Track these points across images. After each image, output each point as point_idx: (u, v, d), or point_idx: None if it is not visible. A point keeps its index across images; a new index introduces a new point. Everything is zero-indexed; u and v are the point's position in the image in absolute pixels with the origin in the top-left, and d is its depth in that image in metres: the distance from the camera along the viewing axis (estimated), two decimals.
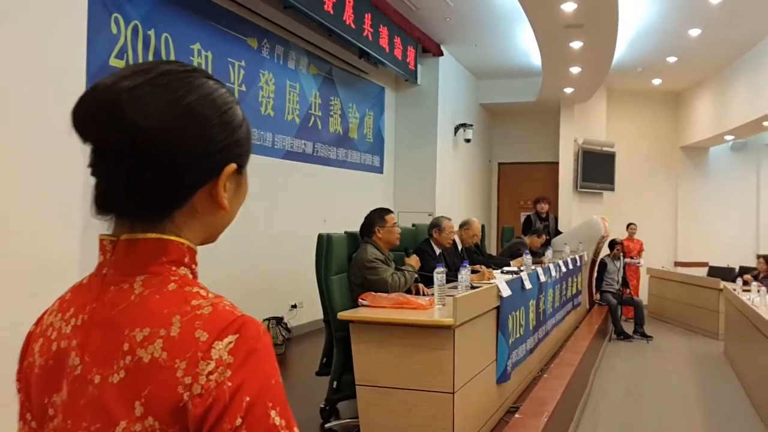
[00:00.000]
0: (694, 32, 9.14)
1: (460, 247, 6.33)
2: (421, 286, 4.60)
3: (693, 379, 7.18)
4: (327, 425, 4.16)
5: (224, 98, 0.85)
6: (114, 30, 5.04)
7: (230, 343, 0.73)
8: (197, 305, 0.77)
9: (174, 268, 0.81)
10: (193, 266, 0.84)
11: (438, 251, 5.59)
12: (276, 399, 0.74)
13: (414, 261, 4.54)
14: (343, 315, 3.56)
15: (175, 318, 0.75)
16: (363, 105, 9.30)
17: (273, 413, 0.73)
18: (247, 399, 0.72)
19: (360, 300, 3.77)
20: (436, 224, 5.66)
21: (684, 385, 6.89)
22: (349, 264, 4.36)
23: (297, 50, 7.62)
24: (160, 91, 0.78)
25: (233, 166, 0.86)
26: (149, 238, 0.80)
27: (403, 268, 4.37)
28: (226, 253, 6.47)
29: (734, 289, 8.06)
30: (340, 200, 8.38)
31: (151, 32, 5.43)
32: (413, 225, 6.47)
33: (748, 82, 10.29)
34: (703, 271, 11.26)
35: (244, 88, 6.68)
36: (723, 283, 9.10)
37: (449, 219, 5.74)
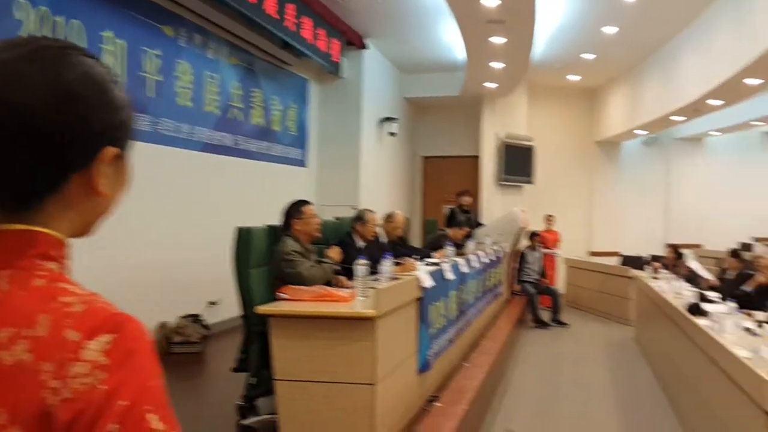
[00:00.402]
0: (610, 30, 9.51)
1: (383, 240, 6.37)
2: (342, 278, 4.61)
3: (606, 363, 7.51)
4: (244, 422, 4.11)
5: (104, 77, 0.79)
6: (18, 16, 4.79)
7: (105, 343, 0.68)
8: (67, 302, 0.71)
9: (42, 263, 0.74)
10: (64, 260, 0.78)
11: (361, 244, 5.61)
12: (156, 403, 0.69)
13: (334, 253, 4.54)
14: (261, 309, 3.52)
15: (41, 317, 0.69)
16: (286, 97, 9.21)
17: (153, 418, 0.68)
18: (124, 403, 0.66)
19: (279, 294, 3.75)
20: (359, 217, 5.67)
21: (597, 370, 7.20)
22: (270, 257, 4.32)
23: (216, 40, 7.46)
24: (35, 66, 0.73)
25: (113, 150, 0.79)
26: (15, 230, 0.74)
27: (323, 260, 4.37)
28: (140, 248, 6.29)
29: (645, 277, 8.46)
30: (262, 194, 8.28)
31: (60, 18, 5.19)
32: (336, 218, 6.48)
33: (658, 79, 10.80)
34: (616, 261, 11.75)
35: (160, 77, 6.49)
36: (634, 272, 9.54)
37: (373, 211, 5.77)
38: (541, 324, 9.55)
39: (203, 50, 7.26)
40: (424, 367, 4.35)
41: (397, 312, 3.85)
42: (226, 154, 7.67)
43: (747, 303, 5.56)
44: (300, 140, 9.68)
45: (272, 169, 8.77)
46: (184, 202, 6.92)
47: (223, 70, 7.64)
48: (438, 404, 4.16)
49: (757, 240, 12.52)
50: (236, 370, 4.22)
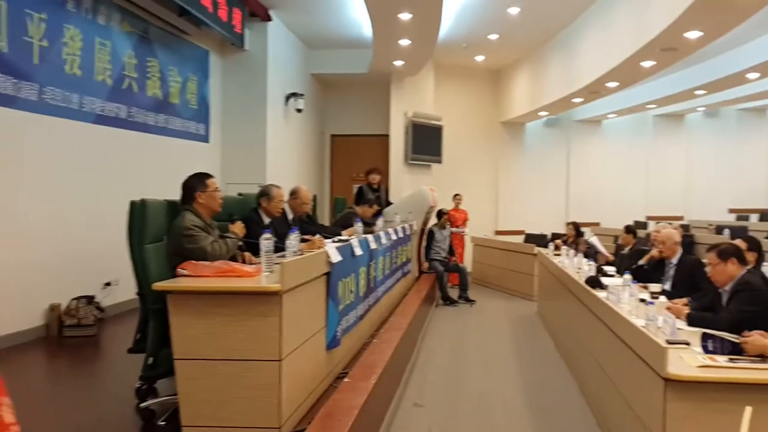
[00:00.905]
0: (514, 10, 9.70)
1: (290, 217, 6.24)
2: (247, 254, 4.47)
3: (511, 337, 7.77)
4: (143, 405, 3.93)
5: None
6: None
7: None
8: None
9: None
10: None
11: (267, 220, 5.47)
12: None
13: (238, 228, 4.38)
14: (158, 285, 3.35)
15: None
16: (185, 68, 8.83)
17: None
18: None
19: (179, 270, 3.57)
20: (264, 192, 5.52)
21: (503, 342, 7.45)
22: (168, 233, 4.12)
23: (108, 5, 7.03)
24: None
25: None
26: None
27: (226, 235, 4.21)
28: (29, 227, 5.89)
29: (547, 254, 8.76)
30: (161, 170, 7.93)
31: None
32: (239, 194, 6.29)
33: (560, 61, 11.15)
34: (520, 239, 12.13)
35: (45, 43, 6.04)
36: (537, 249, 9.88)
37: (279, 187, 5.62)
38: (449, 301, 9.74)
39: (93, 15, 6.82)
40: (332, 343, 4.30)
41: (305, 287, 3.76)
42: (120, 127, 7.27)
43: (642, 276, 5.85)
44: (201, 114, 9.33)
45: (171, 144, 8.41)
46: (75, 178, 6.52)
47: (116, 38, 7.22)
48: (347, 380, 4.12)
49: (650, 218, 13.26)
50: (133, 351, 4.01)
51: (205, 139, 9.40)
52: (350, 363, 4.74)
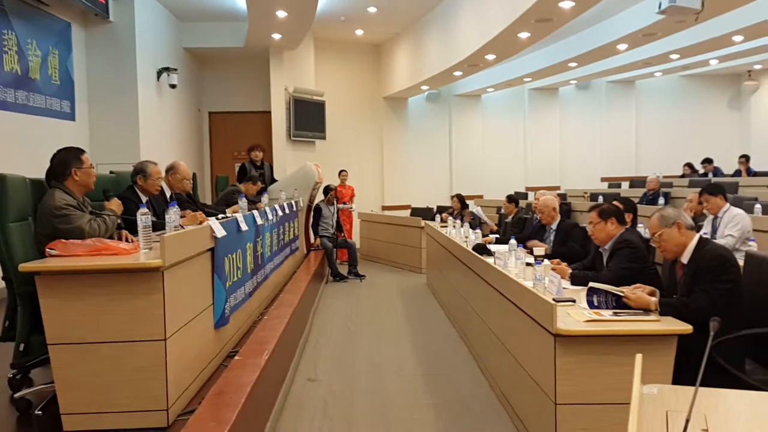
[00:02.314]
0: None
1: (168, 194, 5.95)
2: (125, 233, 4.21)
3: (401, 308, 7.91)
4: (18, 395, 3.64)
5: None
6: None
7: None
8: None
9: None
10: None
11: (144, 199, 5.17)
12: None
13: (115, 205, 4.10)
14: (24, 267, 3.07)
15: None
16: (45, 42, 8.17)
17: None
18: None
19: (47, 250, 3.29)
20: (140, 170, 5.19)
21: (394, 314, 7.57)
22: (35, 214, 3.78)
23: None
24: None
25: None
26: None
27: (104, 213, 3.93)
28: None
29: (434, 226, 8.94)
30: (22, 150, 7.33)
31: None
32: (111, 172, 5.91)
33: (439, 35, 11.32)
34: (407, 213, 12.32)
35: None
36: (424, 222, 10.07)
37: (155, 163, 5.32)
38: (339, 277, 9.77)
39: None
40: (221, 321, 4.15)
41: (188, 263, 3.59)
42: None
43: (525, 241, 6.09)
44: (66, 91, 8.69)
45: (33, 122, 7.79)
46: None
47: None
48: (238, 357, 4.00)
49: (529, 189, 13.85)
50: (2, 339, 3.68)
51: (70, 116, 8.77)
52: (240, 341, 4.61)
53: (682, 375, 3.09)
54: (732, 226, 5.66)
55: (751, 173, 12.25)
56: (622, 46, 10.58)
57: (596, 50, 10.95)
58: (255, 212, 5.64)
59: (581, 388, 3.19)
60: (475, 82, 13.86)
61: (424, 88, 13.45)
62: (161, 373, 3.10)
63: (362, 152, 13.86)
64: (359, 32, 12.88)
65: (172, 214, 3.74)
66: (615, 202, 5.21)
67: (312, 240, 9.99)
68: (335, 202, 10.33)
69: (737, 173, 12.38)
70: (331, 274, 9.83)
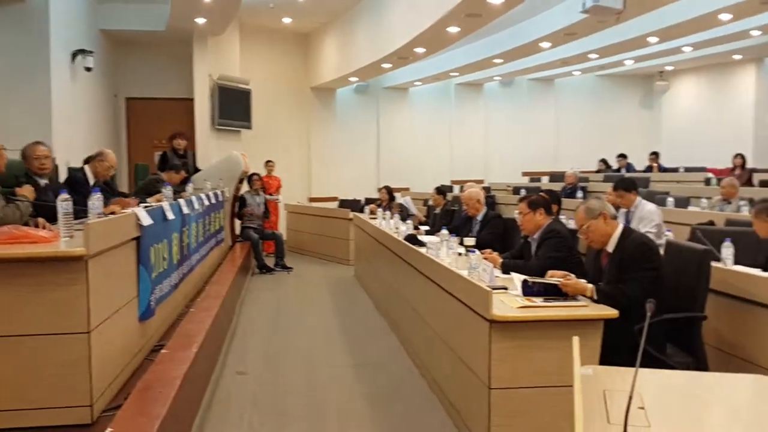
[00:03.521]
0: None
1: (92, 182, 5.69)
2: (41, 220, 3.98)
3: (329, 299, 7.89)
4: None
5: None
6: None
7: None
8: None
9: None
10: None
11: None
12: None
13: (27, 191, 3.89)
14: None
15: None
16: None
17: None
18: None
19: None
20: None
21: (322, 305, 7.53)
22: None
23: None
24: None
25: None
26: None
27: (17, 198, 3.71)
28: None
29: (363, 218, 8.94)
30: None
31: None
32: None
33: (369, 26, 11.29)
34: (334, 205, 12.26)
35: None
36: (353, 213, 10.05)
37: (40, 143, 5.07)
38: (265, 269, 9.65)
39: None
40: (146, 313, 3.99)
41: (113, 252, 3.43)
42: None
43: (455, 232, 6.16)
44: None
45: None
46: None
47: None
48: (165, 351, 3.86)
49: (455, 182, 14.05)
50: None
51: None
52: (166, 334, 4.46)
53: (607, 357, 3.21)
54: (647, 224, 5.90)
55: (662, 169, 12.85)
56: (545, 44, 10.85)
57: (521, 47, 11.19)
58: (181, 201, 5.46)
59: (514, 373, 3.26)
60: (403, 75, 13.92)
61: (353, 79, 13.39)
62: (85, 367, 2.95)
63: (289, 143, 13.68)
64: (287, 20, 12.70)
65: (95, 201, 3.57)
66: (542, 194, 5.34)
67: (236, 231, 9.81)
68: (262, 192, 10.15)
69: (648, 169, 12.96)
70: (257, 266, 9.68)
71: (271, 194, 11.18)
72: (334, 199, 13.17)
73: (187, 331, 4.37)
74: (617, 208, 6.69)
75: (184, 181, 7.69)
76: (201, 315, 4.87)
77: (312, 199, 13.71)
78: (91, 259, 3.04)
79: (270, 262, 9.88)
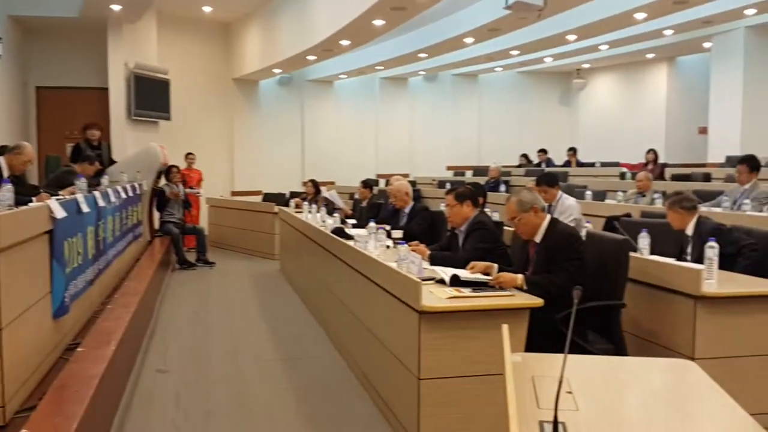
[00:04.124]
0: None
1: (6, 174, 5.38)
2: None
3: (254, 295, 7.77)
4: None
5: None
6: None
7: None
8: None
9: None
10: None
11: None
12: None
13: None
14: None
15: None
16: None
17: None
18: None
19: None
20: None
21: (247, 302, 7.41)
22: None
23: None
24: None
25: None
26: None
27: None
28: None
29: (289, 212, 8.84)
30: None
31: None
32: None
33: (293, 17, 11.16)
34: (258, 199, 12.08)
35: None
36: (278, 207, 9.93)
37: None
38: (187, 264, 9.42)
39: None
40: (60, 310, 3.81)
41: (24, 247, 3.26)
42: None
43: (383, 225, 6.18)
44: None
45: None
46: None
47: None
48: (81, 349, 3.70)
49: (380, 176, 14.12)
50: None
51: None
52: (82, 332, 4.28)
53: (529, 344, 3.29)
54: (566, 217, 6.09)
55: (579, 164, 13.32)
56: (468, 40, 11.02)
57: (445, 42, 11.32)
58: (97, 193, 5.25)
59: (443, 363, 3.29)
60: (328, 68, 13.84)
61: (277, 71, 13.21)
62: None
63: (211, 135, 13.37)
64: (207, 9, 12.39)
65: (6, 192, 3.38)
66: (468, 186, 5.41)
67: (156, 225, 9.53)
68: (181, 185, 9.87)
69: (567, 164, 13.41)
70: (178, 262, 9.43)
71: (191, 187, 10.91)
72: (258, 192, 12.98)
73: (105, 329, 4.20)
74: None
75: (99, 174, 7.45)
76: (119, 312, 4.69)
77: (235, 193, 13.47)
78: (1, 254, 2.88)
79: (191, 257, 9.66)
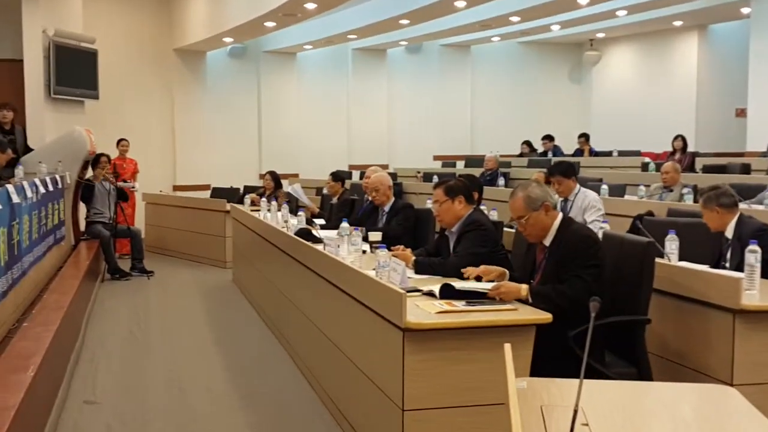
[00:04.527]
0: None
1: None
2: None
3: (202, 311, 7.81)
4: None
5: None
6: None
7: None
8: None
9: None
10: None
11: None
12: None
13: None
14: None
15: None
16: None
17: None
18: None
19: None
20: None
21: (193, 317, 7.46)
22: None
23: None
24: None
25: None
26: None
27: None
28: None
29: (243, 210, 8.83)
30: None
31: None
32: None
33: None
34: (206, 195, 12.05)
35: None
36: (231, 205, 9.91)
37: None
38: (119, 273, 9.41)
39: None
40: None
41: None
42: None
43: (357, 225, 6.19)
44: None
45: None
46: None
47: None
48: None
49: (354, 168, 14.13)
50: None
51: None
52: None
53: (539, 367, 3.31)
54: (593, 213, 6.15)
55: (593, 153, 13.44)
56: (460, 3, 11.05)
57: (432, 6, 11.30)
58: (10, 187, 5.20)
59: (432, 390, 3.31)
60: (290, 36, 13.82)
61: (228, 40, 13.16)
62: None
63: (148, 117, 13.30)
64: None
65: None
66: (461, 179, 5.44)
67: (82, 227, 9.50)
68: (111, 177, 9.81)
69: (578, 153, 13.53)
70: (108, 271, 9.41)
71: (125, 180, 10.86)
72: (205, 187, 12.94)
73: (21, 351, 4.19)
74: None
75: (12, 163, 7.41)
76: (38, 331, 4.68)
77: (178, 188, 13.44)
78: None
79: (125, 264, 9.63)
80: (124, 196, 9.86)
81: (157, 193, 12.07)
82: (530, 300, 3.59)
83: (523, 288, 3.64)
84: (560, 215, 3.89)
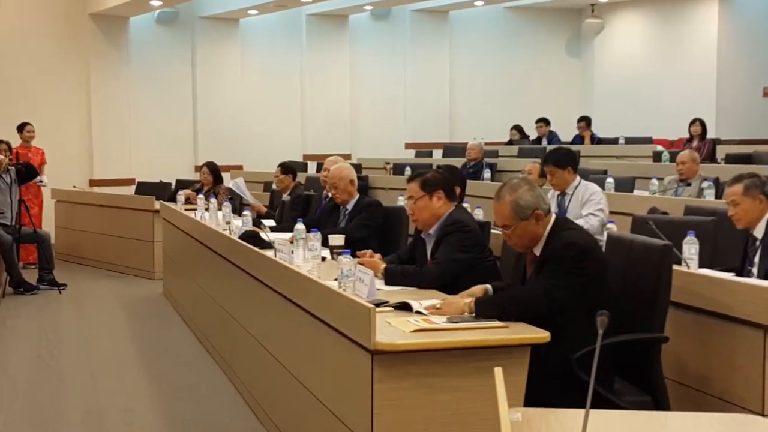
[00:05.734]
0: None
1: None
2: None
3: (128, 331, 7.83)
4: None
5: None
6: None
7: None
8: None
9: None
10: None
11: None
12: None
13: None
14: None
15: None
16: None
17: None
18: None
19: None
20: None
21: (117, 338, 7.49)
22: None
23: None
24: None
25: None
26: None
27: None
28: None
29: (176, 210, 8.78)
30: None
31: None
32: None
33: None
34: (130, 191, 11.96)
35: None
36: (160, 204, 9.83)
37: None
38: (24, 287, 9.35)
39: None
40: None
41: None
42: None
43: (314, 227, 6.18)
44: None
45: None
46: None
47: None
48: None
49: (309, 158, 14.12)
50: None
51: None
52: None
53: (535, 395, 3.31)
54: (591, 206, 6.18)
55: (595, 140, 13.54)
56: None
57: None
58: None
59: (408, 424, 3.30)
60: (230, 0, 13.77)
61: (155, 3, 13.07)
62: None
63: (57, 98, 13.18)
64: None
65: None
66: (439, 171, 5.44)
67: None
68: (12, 169, 9.71)
69: (578, 140, 13.62)
70: (11, 284, 9.33)
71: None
72: (129, 182, 12.85)
73: None
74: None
75: None
76: None
77: (95, 182, 13.33)
78: None
79: (31, 276, 9.58)
80: (31, 173, 9.72)
81: (70, 189, 11.99)
82: (474, 312, 3.58)
83: (465, 303, 3.64)
84: (553, 218, 3.86)
